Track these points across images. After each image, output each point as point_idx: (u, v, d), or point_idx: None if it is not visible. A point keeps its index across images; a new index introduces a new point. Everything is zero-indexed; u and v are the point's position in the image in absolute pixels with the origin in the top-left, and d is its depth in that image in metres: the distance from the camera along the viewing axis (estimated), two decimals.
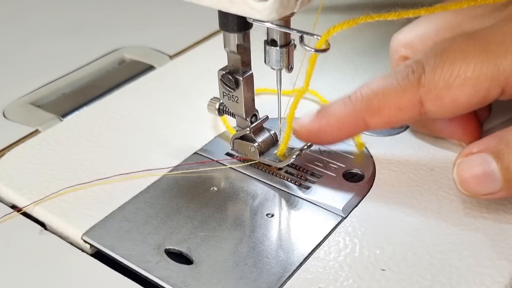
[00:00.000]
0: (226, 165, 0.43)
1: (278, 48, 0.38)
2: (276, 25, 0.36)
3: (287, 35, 0.38)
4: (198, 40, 0.61)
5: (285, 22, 0.36)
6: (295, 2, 0.32)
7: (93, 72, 0.57)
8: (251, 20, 0.36)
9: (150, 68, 0.57)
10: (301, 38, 0.35)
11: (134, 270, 0.36)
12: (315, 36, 0.34)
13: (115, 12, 0.68)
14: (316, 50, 0.34)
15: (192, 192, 0.41)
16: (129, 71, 0.57)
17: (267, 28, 0.38)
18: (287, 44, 0.38)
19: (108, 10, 0.69)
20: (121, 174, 0.42)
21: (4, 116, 0.50)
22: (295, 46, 0.38)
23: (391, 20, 0.35)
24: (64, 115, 0.50)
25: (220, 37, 0.60)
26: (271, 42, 0.38)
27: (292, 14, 0.34)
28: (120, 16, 0.67)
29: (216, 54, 0.57)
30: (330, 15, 0.63)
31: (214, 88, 0.43)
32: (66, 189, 0.41)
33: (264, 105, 0.43)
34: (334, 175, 0.42)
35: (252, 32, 0.38)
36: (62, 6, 0.70)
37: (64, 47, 0.61)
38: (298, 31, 0.35)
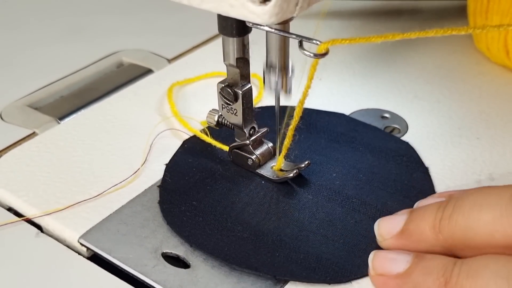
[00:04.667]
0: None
1: (277, 71, 0.38)
2: (275, 29, 0.36)
3: (285, 59, 0.38)
4: (197, 44, 0.61)
5: (284, 26, 0.36)
6: (294, 7, 0.32)
7: (91, 75, 0.57)
8: (250, 24, 0.36)
9: (148, 71, 0.57)
10: (300, 43, 0.35)
11: (131, 273, 0.35)
12: (314, 41, 0.34)
13: (114, 15, 0.68)
14: (316, 55, 0.34)
15: None
16: (127, 75, 0.57)
17: (266, 51, 0.38)
18: (286, 67, 0.38)
19: (107, 13, 0.69)
20: (127, 178, 0.42)
21: (2, 118, 0.50)
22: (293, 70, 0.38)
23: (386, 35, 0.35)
24: (61, 118, 0.50)
25: (218, 42, 0.60)
26: (269, 66, 0.38)
27: (291, 18, 0.34)
28: (119, 20, 0.67)
29: (214, 58, 0.57)
30: (330, 21, 0.64)
31: (212, 92, 0.42)
32: (80, 202, 0.40)
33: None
34: None
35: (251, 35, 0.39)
36: (60, 9, 0.70)
37: (62, 49, 0.61)
38: (297, 35, 0.35)
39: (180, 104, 0.51)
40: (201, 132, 0.45)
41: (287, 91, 0.39)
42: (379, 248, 0.35)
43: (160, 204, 0.40)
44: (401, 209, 0.36)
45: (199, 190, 0.40)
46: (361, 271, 0.35)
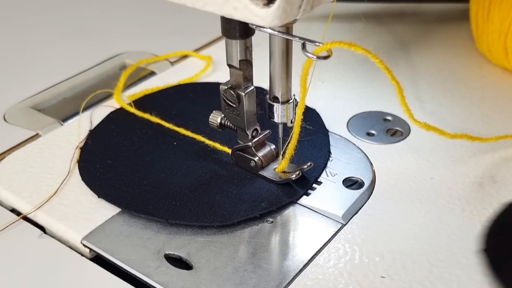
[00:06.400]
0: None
1: (280, 104, 0.39)
2: (278, 32, 0.36)
3: (288, 93, 0.39)
4: (199, 47, 0.61)
5: (287, 29, 0.37)
6: (297, 10, 0.32)
7: (94, 77, 0.57)
8: (254, 26, 0.36)
9: (151, 73, 0.57)
10: (303, 45, 0.35)
11: (134, 275, 0.36)
12: (317, 43, 0.35)
13: (117, 17, 0.68)
14: (318, 57, 0.34)
15: None
16: (130, 77, 0.57)
17: (269, 85, 0.39)
18: (288, 100, 0.39)
19: (110, 15, 0.69)
20: None
21: (5, 120, 0.50)
22: (296, 101, 0.39)
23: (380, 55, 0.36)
24: (64, 120, 0.50)
25: (220, 44, 0.60)
26: (273, 99, 0.39)
27: (295, 21, 0.34)
28: (122, 22, 0.67)
29: (217, 60, 0.57)
30: (332, 23, 0.64)
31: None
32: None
33: None
34: (334, 182, 0.42)
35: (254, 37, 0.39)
36: (64, 10, 0.70)
37: (65, 51, 0.61)
38: (300, 38, 0.35)
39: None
40: (127, 104, 0.49)
41: (291, 122, 0.40)
42: (272, 199, 0.40)
43: (79, 162, 0.43)
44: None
45: (115, 151, 0.45)
46: (247, 215, 0.39)
